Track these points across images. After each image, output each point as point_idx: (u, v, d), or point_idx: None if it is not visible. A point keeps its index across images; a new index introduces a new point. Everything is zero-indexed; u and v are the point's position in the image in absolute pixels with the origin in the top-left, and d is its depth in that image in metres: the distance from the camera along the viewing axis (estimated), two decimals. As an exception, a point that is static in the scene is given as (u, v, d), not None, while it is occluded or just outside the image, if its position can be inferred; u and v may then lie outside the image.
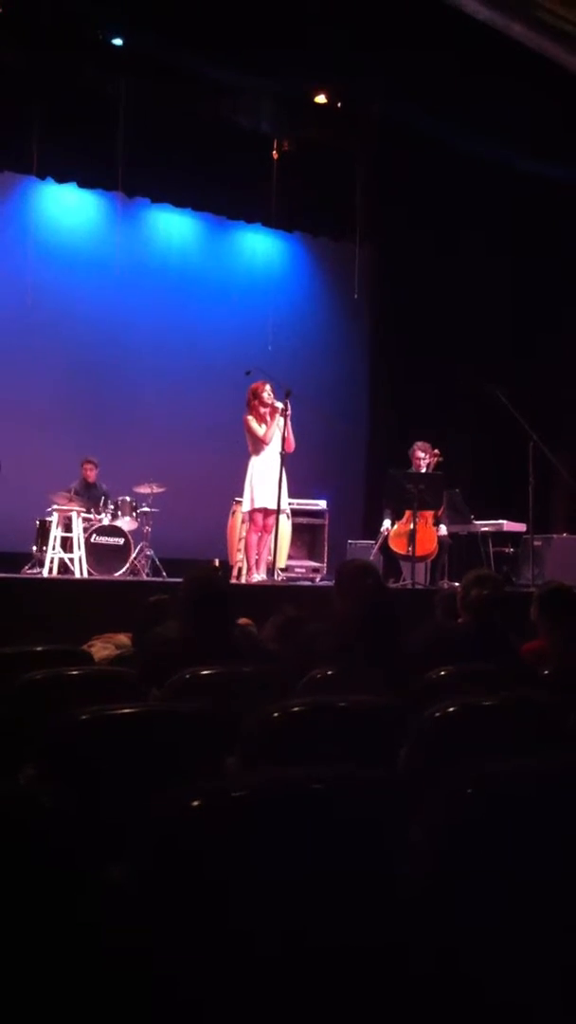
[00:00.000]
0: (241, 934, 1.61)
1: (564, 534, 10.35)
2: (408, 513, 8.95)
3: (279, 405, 8.52)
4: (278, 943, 1.63)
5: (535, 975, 1.75)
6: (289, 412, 8.50)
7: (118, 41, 9.82)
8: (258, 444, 8.57)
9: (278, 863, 1.65)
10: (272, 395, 8.58)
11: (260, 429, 8.55)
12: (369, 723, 2.79)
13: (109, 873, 1.62)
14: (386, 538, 9.35)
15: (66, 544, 9.17)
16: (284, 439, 8.44)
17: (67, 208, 11.52)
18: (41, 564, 9.23)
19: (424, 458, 9.41)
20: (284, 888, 1.65)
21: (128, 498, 10.12)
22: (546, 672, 3.70)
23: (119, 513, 9.97)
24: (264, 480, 8.50)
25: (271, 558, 8.61)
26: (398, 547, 9.22)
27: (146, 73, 10.14)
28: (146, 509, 10.17)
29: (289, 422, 8.51)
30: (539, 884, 1.77)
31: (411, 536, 8.83)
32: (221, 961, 1.59)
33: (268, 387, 8.59)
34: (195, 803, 1.63)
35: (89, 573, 9.14)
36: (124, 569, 9.61)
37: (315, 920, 1.66)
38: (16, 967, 1.52)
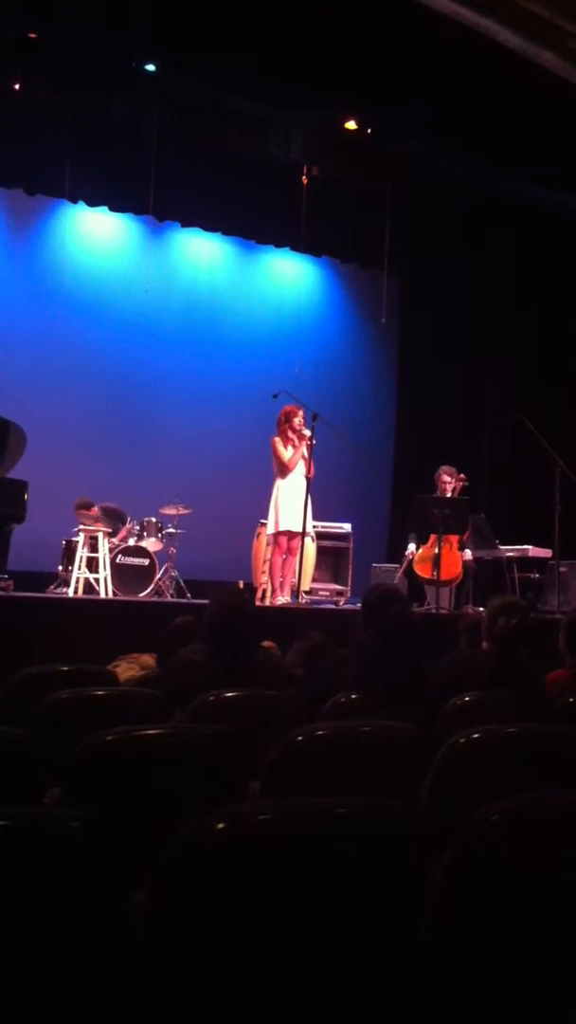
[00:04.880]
0: (263, 957, 1.61)
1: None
2: (433, 537, 8.94)
3: (307, 433, 8.56)
4: (299, 967, 1.63)
5: (559, 1010, 1.74)
6: (314, 443, 8.55)
7: (151, 67, 9.92)
8: (283, 467, 8.61)
9: (299, 889, 1.66)
10: (303, 422, 8.62)
11: (286, 453, 8.59)
12: (392, 750, 2.79)
13: (134, 895, 1.63)
14: (411, 562, 9.34)
15: (92, 564, 9.21)
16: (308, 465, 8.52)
17: (98, 231, 11.62)
18: (67, 584, 9.25)
19: (450, 482, 9.39)
20: (305, 914, 1.65)
21: (154, 519, 10.15)
22: (571, 700, 3.67)
23: (144, 534, 10.00)
24: (289, 503, 8.53)
25: (295, 581, 8.61)
26: (423, 571, 9.20)
27: (177, 101, 10.24)
28: (171, 530, 10.19)
29: (311, 452, 8.56)
30: (561, 917, 1.77)
31: (436, 560, 8.81)
32: (244, 983, 1.60)
33: (301, 413, 8.63)
34: (219, 826, 1.64)
35: (114, 593, 9.15)
36: (149, 590, 9.62)
37: (335, 946, 1.66)
38: (43, 992, 1.53)
